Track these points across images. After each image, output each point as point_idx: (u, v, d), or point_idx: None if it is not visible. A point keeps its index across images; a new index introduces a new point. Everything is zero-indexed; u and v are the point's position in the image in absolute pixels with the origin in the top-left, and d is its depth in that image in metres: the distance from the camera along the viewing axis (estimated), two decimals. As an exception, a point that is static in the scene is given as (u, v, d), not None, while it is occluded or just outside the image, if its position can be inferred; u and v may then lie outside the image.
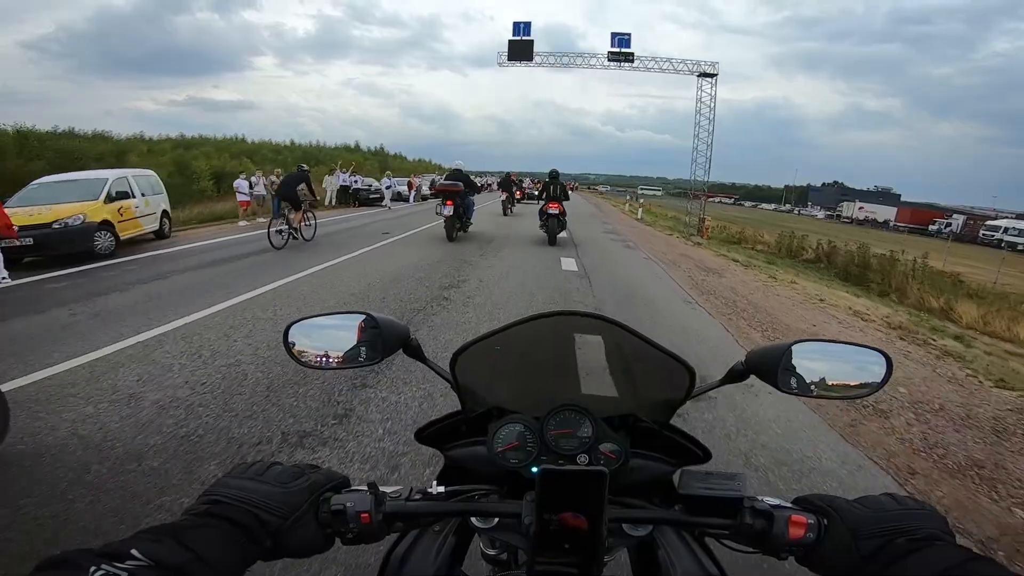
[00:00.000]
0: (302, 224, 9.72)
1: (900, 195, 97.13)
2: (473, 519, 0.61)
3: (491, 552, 0.84)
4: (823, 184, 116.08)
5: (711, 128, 18.22)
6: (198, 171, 19.84)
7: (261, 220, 12.29)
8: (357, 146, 41.74)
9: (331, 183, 19.33)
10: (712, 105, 18.20)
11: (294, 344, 0.69)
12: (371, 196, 19.87)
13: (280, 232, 9.02)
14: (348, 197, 19.36)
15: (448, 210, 10.10)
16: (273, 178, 14.27)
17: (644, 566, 0.68)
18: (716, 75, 18.06)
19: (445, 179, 11.45)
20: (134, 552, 0.38)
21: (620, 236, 13.60)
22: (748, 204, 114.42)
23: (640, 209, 25.69)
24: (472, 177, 12.36)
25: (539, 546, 0.51)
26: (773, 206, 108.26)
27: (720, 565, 0.62)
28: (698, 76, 18.25)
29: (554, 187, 10.70)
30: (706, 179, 18.93)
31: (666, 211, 30.60)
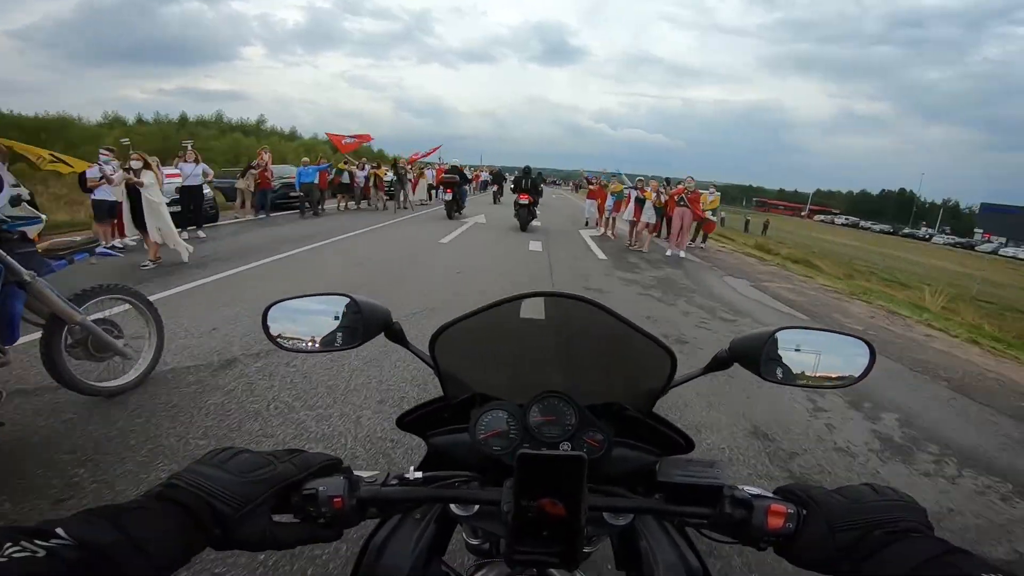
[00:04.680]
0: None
1: None
2: (453, 507, 0.60)
3: (474, 542, 0.83)
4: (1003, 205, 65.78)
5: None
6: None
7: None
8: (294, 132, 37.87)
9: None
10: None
11: (272, 327, 0.68)
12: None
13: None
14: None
15: (448, 196, 14.09)
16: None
17: (626, 556, 0.68)
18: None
19: (445, 173, 15.78)
20: (59, 531, 0.37)
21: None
22: (840, 220, 77.95)
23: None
24: (465, 170, 17.33)
25: (518, 533, 0.50)
26: (879, 227, 69.67)
27: (700, 555, 0.62)
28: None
29: (525, 181, 12.75)
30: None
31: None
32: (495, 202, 21.00)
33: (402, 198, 15.75)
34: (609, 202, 12.16)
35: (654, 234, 11.27)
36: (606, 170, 13.31)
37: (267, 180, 11.30)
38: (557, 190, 53.96)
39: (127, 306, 2.96)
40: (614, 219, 12.28)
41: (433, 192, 18.96)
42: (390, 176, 16.07)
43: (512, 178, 21.37)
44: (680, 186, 10.69)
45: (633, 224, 11.12)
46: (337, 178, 14.14)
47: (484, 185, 27.15)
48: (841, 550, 0.47)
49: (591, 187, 14.38)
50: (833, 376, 0.67)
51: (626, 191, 11.89)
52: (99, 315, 2.75)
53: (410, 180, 17.19)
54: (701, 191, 11.15)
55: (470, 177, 20.68)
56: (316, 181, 12.40)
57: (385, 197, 15.46)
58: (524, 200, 12.27)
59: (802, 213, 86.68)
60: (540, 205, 14.67)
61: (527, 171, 13.06)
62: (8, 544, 0.34)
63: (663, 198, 10.67)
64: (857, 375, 0.66)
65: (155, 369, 3.00)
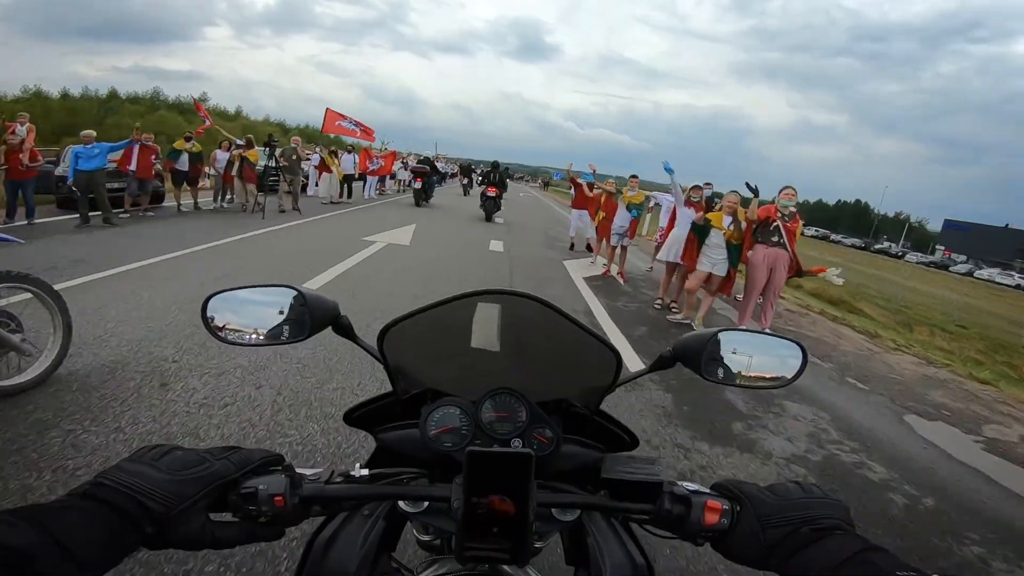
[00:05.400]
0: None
1: None
2: (402, 504, 0.60)
3: (425, 538, 0.83)
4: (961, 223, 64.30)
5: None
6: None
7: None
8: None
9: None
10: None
11: (213, 318, 0.65)
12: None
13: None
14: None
15: (417, 185, 14.64)
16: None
17: (575, 551, 0.69)
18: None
19: (417, 163, 16.45)
20: None
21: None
22: (809, 232, 60.28)
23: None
24: (436, 163, 18.25)
25: (468, 530, 0.50)
26: (850, 240, 62.24)
27: (644, 551, 0.64)
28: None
29: (493, 175, 13.54)
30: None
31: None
32: (465, 194, 21.40)
33: (281, 198, 10.59)
34: (621, 219, 7.42)
35: (718, 297, 5.89)
36: (594, 169, 8.69)
37: (20, 165, 6.91)
38: (525, 187, 51.12)
39: (28, 295, 2.65)
40: (625, 250, 7.71)
41: (346, 187, 14.20)
42: (265, 162, 10.13)
43: (480, 171, 21.29)
44: (771, 204, 5.25)
45: (676, 271, 6.09)
46: (168, 163, 9.31)
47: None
48: (771, 547, 0.49)
49: (591, 192, 8.60)
50: (770, 376, 0.70)
51: (660, 202, 7.68)
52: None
53: (306, 169, 12.98)
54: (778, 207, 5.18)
55: (443, 172, 21.69)
56: (107, 168, 7.59)
57: (259, 193, 9.80)
58: (491, 193, 13.11)
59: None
60: (506, 211, 14.40)
61: (495, 166, 13.95)
62: None
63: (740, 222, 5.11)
64: (791, 376, 0.70)
65: (60, 366, 2.70)
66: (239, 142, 10.28)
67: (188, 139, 9.72)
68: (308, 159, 13.92)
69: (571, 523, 0.61)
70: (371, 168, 15.37)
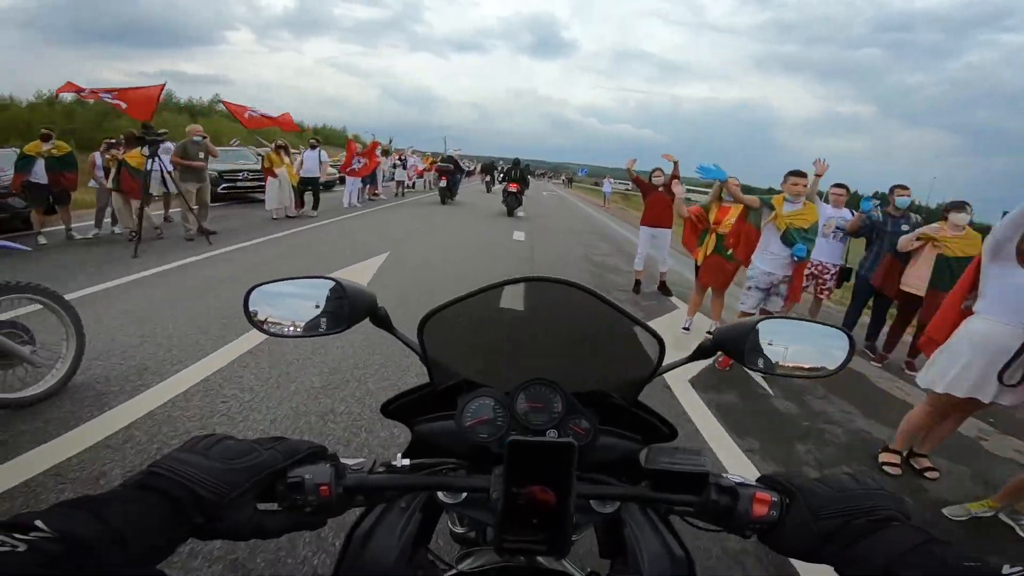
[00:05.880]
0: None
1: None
2: (440, 495, 0.60)
3: (459, 530, 0.84)
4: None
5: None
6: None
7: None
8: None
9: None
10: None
11: (256, 312, 0.66)
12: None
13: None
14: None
15: (443, 183, 15.02)
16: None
17: (610, 543, 0.68)
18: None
19: (441, 162, 16.44)
20: (38, 523, 0.36)
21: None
22: None
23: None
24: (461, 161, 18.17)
25: (507, 521, 0.50)
26: None
27: (684, 543, 0.63)
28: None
29: (515, 171, 13.94)
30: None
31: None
32: (488, 191, 21.62)
33: (186, 220, 6.94)
34: (770, 257, 3.69)
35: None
36: (674, 162, 5.74)
37: None
38: (548, 184, 47.78)
39: (38, 306, 2.61)
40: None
41: (311, 196, 10.54)
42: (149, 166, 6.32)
43: (501, 169, 21.30)
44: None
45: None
46: (19, 176, 6.24)
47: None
48: (823, 538, 0.48)
49: (682, 203, 4.96)
50: (809, 366, 0.68)
51: (876, 212, 4.59)
52: (2, 316, 2.46)
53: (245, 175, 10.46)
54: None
55: (465, 170, 20.90)
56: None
57: (140, 214, 6.21)
58: (513, 188, 13.53)
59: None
60: (529, 214, 13.95)
61: (516, 163, 14.38)
62: None
63: None
64: (834, 366, 0.67)
65: (73, 379, 2.64)
66: (112, 141, 7.00)
67: (46, 138, 6.24)
68: (257, 156, 10.56)
69: (608, 515, 0.61)
70: (354, 167, 12.01)
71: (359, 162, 12.18)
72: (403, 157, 18.07)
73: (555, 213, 17.08)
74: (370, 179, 13.99)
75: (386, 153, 16.34)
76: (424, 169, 20.45)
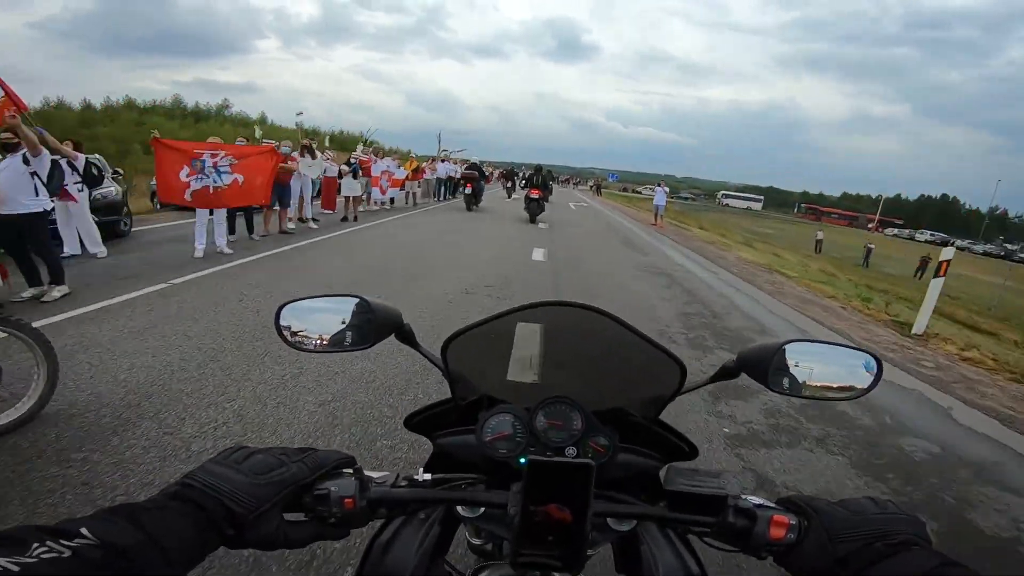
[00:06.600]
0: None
1: None
2: (459, 508, 0.61)
3: (476, 542, 0.85)
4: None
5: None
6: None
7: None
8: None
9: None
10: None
11: (288, 327, 0.69)
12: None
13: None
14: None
15: (468, 191, 15.06)
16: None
17: (627, 561, 0.68)
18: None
19: (465, 170, 16.84)
20: (83, 531, 0.38)
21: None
22: (923, 236, 60.93)
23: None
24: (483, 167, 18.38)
25: (523, 537, 0.51)
26: (980, 247, 54.85)
27: (701, 562, 0.62)
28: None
29: (536, 177, 13.83)
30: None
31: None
32: (509, 197, 21.96)
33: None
34: None
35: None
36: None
37: None
38: (574, 192, 42.87)
39: (2, 335, 2.39)
40: None
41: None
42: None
43: (522, 175, 21.33)
44: None
45: None
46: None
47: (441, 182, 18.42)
48: (841, 561, 0.48)
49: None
50: (837, 387, 0.67)
51: None
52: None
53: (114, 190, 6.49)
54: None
55: (488, 174, 21.67)
56: None
57: None
58: (535, 195, 13.45)
59: (869, 225, 67.57)
60: (553, 235, 10.73)
61: (539, 169, 14.32)
62: (36, 544, 0.35)
63: None
64: (863, 387, 0.66)
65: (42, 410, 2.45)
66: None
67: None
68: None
69: (625, 532, 0.61)
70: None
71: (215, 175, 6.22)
72: (353, 160, 11.32)
73: (589, 243, 11.14)
74: (277, 197, 7.86)
75: (309, 152, 8.87)
76: (404, 178, 13.53)
